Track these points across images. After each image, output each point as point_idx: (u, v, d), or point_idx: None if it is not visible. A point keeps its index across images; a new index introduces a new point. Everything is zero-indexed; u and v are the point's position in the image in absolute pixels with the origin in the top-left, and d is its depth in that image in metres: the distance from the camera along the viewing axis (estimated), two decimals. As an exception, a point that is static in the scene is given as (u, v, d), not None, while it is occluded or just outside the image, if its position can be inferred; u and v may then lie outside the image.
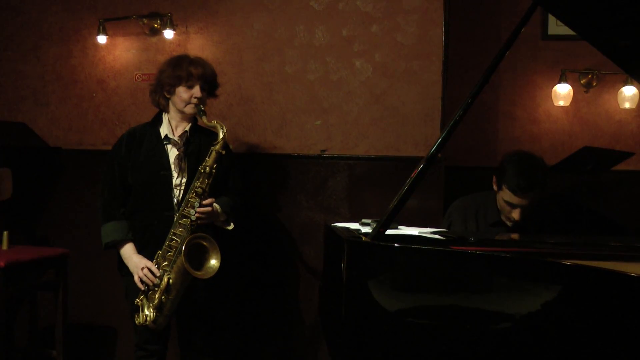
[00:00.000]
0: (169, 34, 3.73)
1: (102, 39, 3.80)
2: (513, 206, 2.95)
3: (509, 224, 3.03)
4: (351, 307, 2.06)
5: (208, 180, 2.83)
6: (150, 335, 2.92)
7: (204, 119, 2.91)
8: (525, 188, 2.87)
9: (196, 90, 2.94)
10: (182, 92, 2.94)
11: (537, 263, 1.97)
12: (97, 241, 3.73)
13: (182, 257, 2.75)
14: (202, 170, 2.83)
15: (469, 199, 3.16)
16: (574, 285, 1.90)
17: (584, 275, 1.90)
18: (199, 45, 3.74)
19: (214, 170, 2.84)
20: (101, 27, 3.77)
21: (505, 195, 2.94)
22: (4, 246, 3.34)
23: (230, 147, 3.18)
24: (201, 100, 2.95)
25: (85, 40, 3.90)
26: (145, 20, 3.78)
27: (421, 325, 2.00)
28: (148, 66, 3.82)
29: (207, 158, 2.85)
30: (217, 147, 2.85)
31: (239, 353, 3.77)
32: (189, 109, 2.95)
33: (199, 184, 2.82)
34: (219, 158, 2.86)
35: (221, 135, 2.85)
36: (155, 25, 3.79)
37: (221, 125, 2.87)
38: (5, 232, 3.35)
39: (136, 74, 3.85)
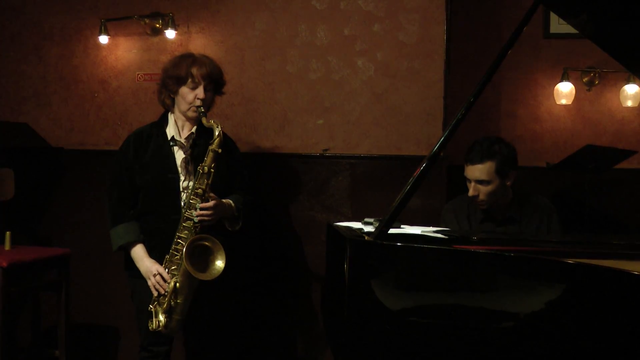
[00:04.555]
0: (170, 33, 3.73)
1: (103, 39, 3.80)
2: (468, 181, 2.95)
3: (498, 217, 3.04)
4: (354, 307, 2.06)
5: (207, 180, 2.80)
6: (154, 336, 2.91)
7: (203, 120, 2.88)
8: (476, 157, 2.88)
9: (200, 91, 2.88)
10: (186, 94, 2.89)
11: (541, 262, 1.97)
12: (100, 241, 3.73)
13: (183, 260, 2.74)
14: (201, 171, 2.80)
15: (458, 201, 3.16)
16: (577, 283, 1.90)
17: (587, 274, 1.90)
18: (200, 45, 3.73)
19: (212, 170, 2.80)
20: (103, 27, 3.77)
21: (464, 172, 2.95)
22: (7, 246, 3.34)
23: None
24: (205, 102, 2.90)
25: (87, 40, 3.90)
26: (147, 20, 3.79)
27: (424, 325, 2.00)
28: (150, 66, 3.82)
29: (205, 158, 2.82)
30: (213, 146, 2.81)
31: (241, 352, 3.77)
32: (191, 113, 2.91)
33: (198, 184, 2.80)
34: (217, 157, 2.83)
35: (216, 133, 2.81)
36: (157, 25, 3.79)
37: (217, 124, 2.83)
38: (7, 232, 3.35)
39: (138, 74, 3.85)
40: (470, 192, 2.95)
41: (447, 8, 3.52)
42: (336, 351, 2.37)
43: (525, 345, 1.93)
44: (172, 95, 2.96)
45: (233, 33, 3.74)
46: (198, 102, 2.89)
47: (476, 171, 2.90)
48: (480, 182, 2.91)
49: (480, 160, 2.88)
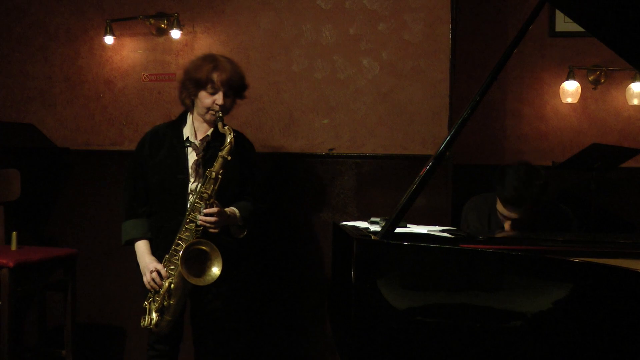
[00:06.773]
0: (175, 34, 3.73)
1: (109, 40, 3.80)
2: (504, 217, 2.96)
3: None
4: (360, 306, 2.06)
5: (214, 186, 2.78)
6: (161, 335, 2.92)
7: (219, 126, 2.83)
8: (515, 203, 2.88)
9: (219, 97, 2.85)
10: (204, 98, 2.86)
11: (547, 261, 1.96)
12: (106, 241, 3.74)
13: (179, 263, 2.73)
14: (208, 176, 2.78)
15: (482, 199, 3.17)
16: (584, 282, 1.90)
17: (593, 273, 1.90)
18: (205, 45, 3.74)
19: (219, 176, 2.78)
20: (108, 28, 3.77)
21: (498, 206, 2.96)
22: (13, 246, 3.34)
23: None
24: (224, 107, 2.87)
25: (92, 40, 3.91)
26: (152, 21, 3.79)
27: (431, 324, 2.00)
28: (155, 66, 3.83)
29: (214, 164, 2.81)
30: (224, 152, 2.78)
31: (247, 352, 3.77)
32: (209, 117, 2.89)
33: (204, 188, 2.78)
34: (225, 164, 2.80)
35: (227, 140, 2.79)
36: (162, 25, 3.80)
37: (230, 131, 2.80)
38: (13, 232, 3.36)
39: (143, 74, 3.86)
40: (508, 228, 3.00)
41: (453, 7, 3.52)
42: (342, 351, 2.37)
43: (532, 344, 1.92)
44: (191, 97, 2.94)
45: (238, 33, 3.74)
46: (216, 108, 2.86)
47: (512, 214, 2.95)
48: (518, 220, 2.98)
49: (520, 205, 2.91)
